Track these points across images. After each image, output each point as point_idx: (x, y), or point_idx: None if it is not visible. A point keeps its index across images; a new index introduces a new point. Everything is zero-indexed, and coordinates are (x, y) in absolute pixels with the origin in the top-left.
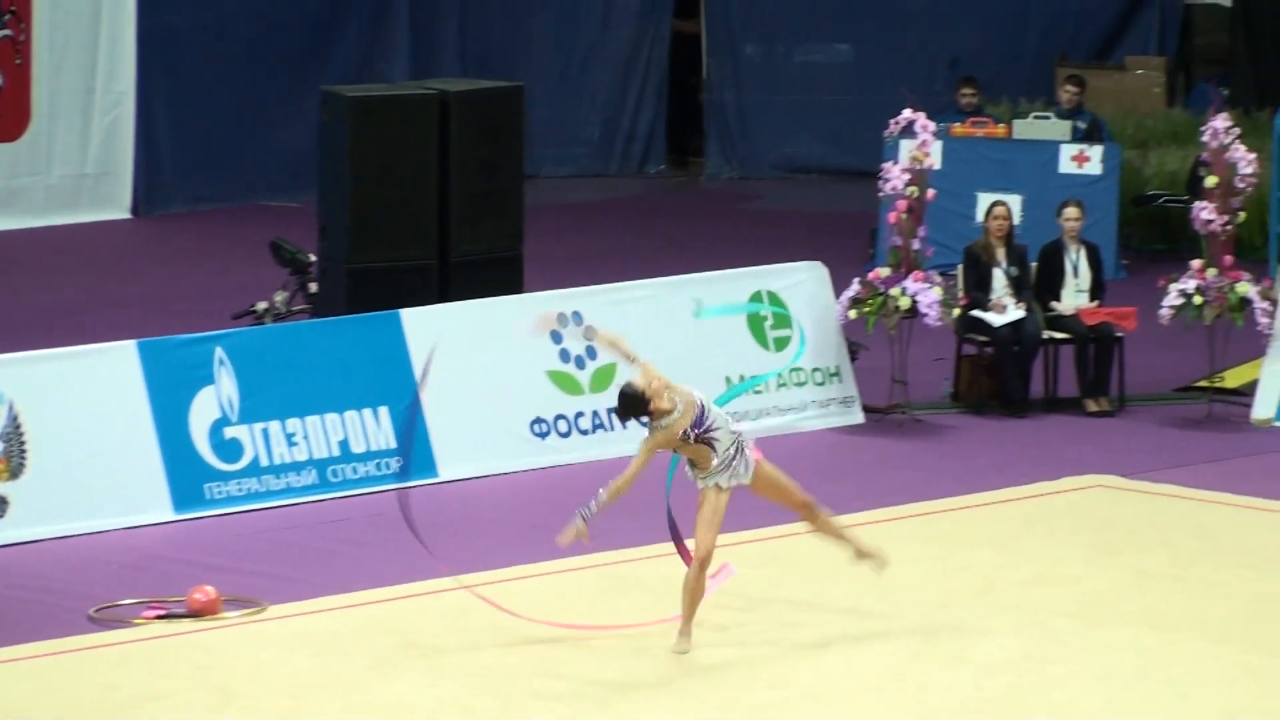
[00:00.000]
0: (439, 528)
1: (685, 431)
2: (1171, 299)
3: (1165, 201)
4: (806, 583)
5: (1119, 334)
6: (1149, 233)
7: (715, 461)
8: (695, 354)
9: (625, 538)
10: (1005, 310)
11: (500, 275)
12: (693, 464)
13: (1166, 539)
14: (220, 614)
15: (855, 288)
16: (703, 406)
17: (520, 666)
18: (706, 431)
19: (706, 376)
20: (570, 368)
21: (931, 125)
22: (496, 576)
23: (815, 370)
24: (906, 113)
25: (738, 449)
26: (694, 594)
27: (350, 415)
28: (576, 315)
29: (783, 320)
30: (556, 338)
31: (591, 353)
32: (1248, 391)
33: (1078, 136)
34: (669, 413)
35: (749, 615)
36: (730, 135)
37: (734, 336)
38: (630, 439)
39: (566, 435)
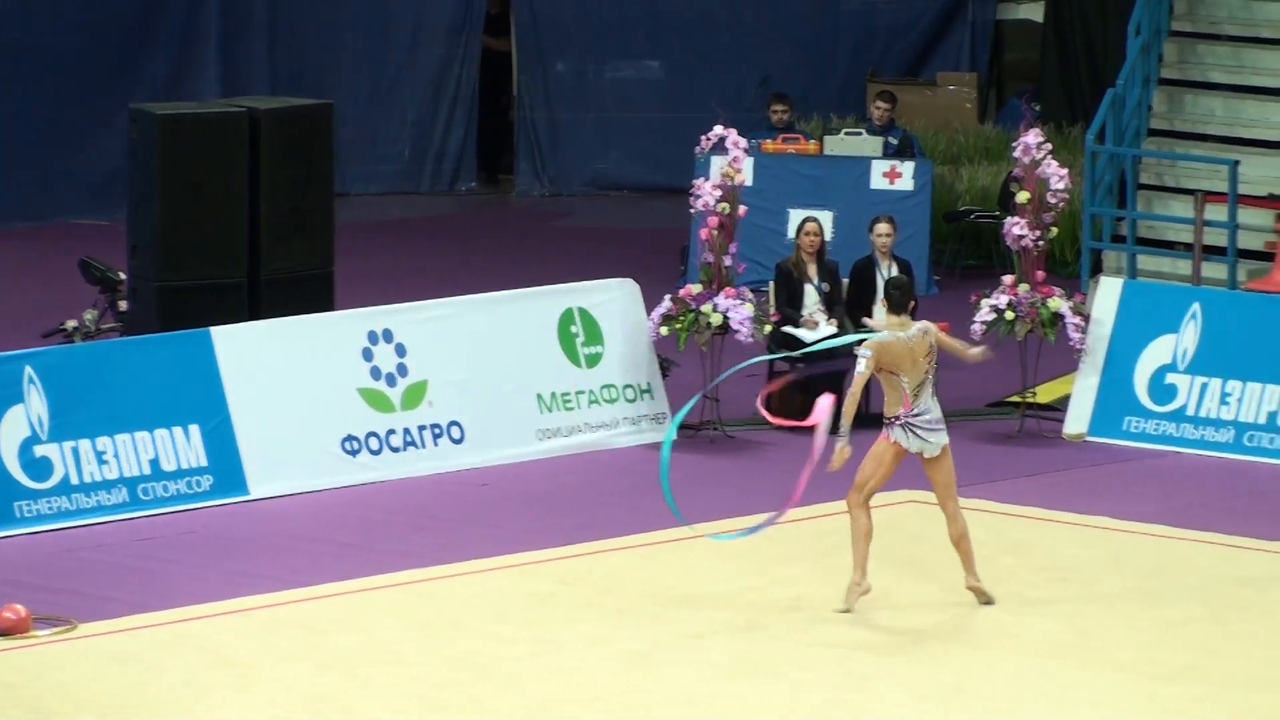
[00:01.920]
0: (251, 546)
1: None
2: (983, 314)
3: (977, 217)
4: (620, 597)
5: None
6: (961, 248)
7: (905, 412)
8: (506, 371)
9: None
10: (817, 326)
11: (311, 293)
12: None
13: (980, 554)
14: (30, 633)
15: (667, 304)
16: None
17: (331, 683)
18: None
19: (518, 394)
20: (381, 385)
21: (743, 142)
22: (308, 594)
23: (627, 387)
24: (717, 129)
25: (930, 426)
26: (855, 533)
27: (161, 433)
28: (387, 333)
29: (594, 336)
30: (367, 355)
31: (403, 370)
32: (1060, 406)
33: (889, 152)
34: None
35: (568, 630)
36: (541, 152)
37: (545, 353)
38: (434, 458)
39: (378, 453)
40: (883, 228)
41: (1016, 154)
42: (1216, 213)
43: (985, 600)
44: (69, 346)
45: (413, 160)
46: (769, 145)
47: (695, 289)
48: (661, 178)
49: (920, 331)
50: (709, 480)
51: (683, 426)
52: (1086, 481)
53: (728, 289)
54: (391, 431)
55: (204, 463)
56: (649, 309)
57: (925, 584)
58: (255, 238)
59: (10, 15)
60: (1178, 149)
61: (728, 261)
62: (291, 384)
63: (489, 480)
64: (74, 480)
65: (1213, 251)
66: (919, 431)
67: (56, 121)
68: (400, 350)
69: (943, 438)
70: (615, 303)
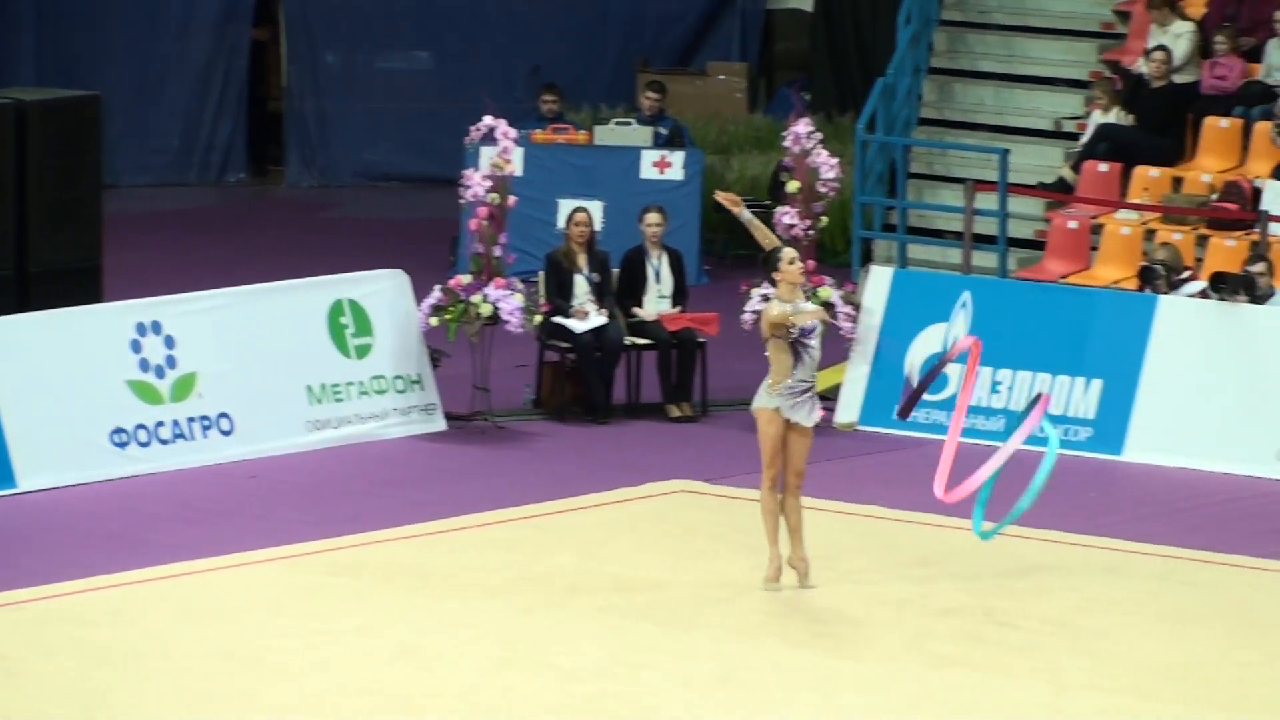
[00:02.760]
0: (19, 539)
1: (793, 324)
2: (754, 304)
3: (747, 206)
4: (391, 588)
5: (701, 339)
6: (731, 238)
7: (787, 381)
8: (275, 363)
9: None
10: (587, 316)
11: (80, 285)
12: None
13: (750, 544)
14: None
15: (436, 295)
16: (815, 328)
17: (102, 676)
18: (803, 338)
19: (288, 385)
20: (150, 377)
21: (512, 132)
22: (77, 587)
23: (397, 378)
24: (487, 120)
25: (811, 391)
26: (766, 517)
27: None
28: (156, 325)
29: (364, 327)
30: (135, 347)
31: (171, 362)
32: (831, 396)
33: (659, 142)
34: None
35: (339, 621)
36: (311, 143)
37: (314, 344)
38: (203, 450)
39: (146, 445)
40: (653, 217)
41: (787, 143)
42: (987, 201)
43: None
44: None
45: (182, 151)
46: (538, 135)
47: (465, 279)
48: (431, 168)
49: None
50: (479, 470)
51: (452, 417)
52: (857, 470)
53: (497, 279)
54: (160, 424)
55: None
56: (419, 300)
57: (696, 573)
58: (22, 230)
59: None
60: (948, 138)
61: (497, 252)
62: (60, 376)
63: (258, 472)
64: None
65: (983, 240)
66: (799, 400)
67: None
68: (169, 342)
69: (817, 413)
70: (385, 294)
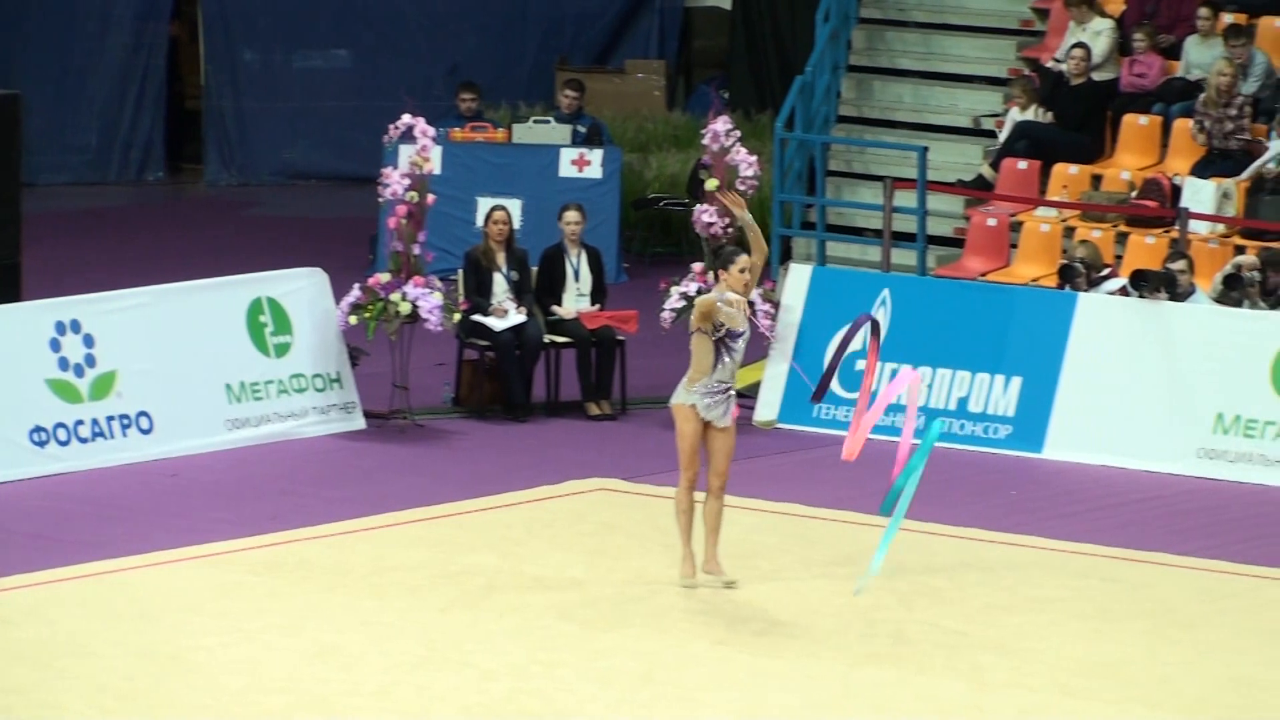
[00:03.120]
0: None
1: (722, 324)
2: (673, 302)
3: (666, 204)
4: (310, 587)
5: (620, 337)
6: (650, 236)
7: (706, 379)
8: (195, 361)
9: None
10: (506, 314)
11: None
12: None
13: (669, 542)
14: None
15: (355, 293)
16: (744, 333)
17: (22, 675)
18: (729, 339)
19: (207, 384)
20: (69, 376)
21: (431, 130)
22: None
23: (316, 376)
24: (406, 118)
25: (729, 393)
26: (680, 513)
27: None
28: (75, 324)
29: (283, 326)
30: (55, 345)
31: (91, 361)
32: (750, 394)
33: (578, 140)
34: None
35: (258, 620)
36: (229, 142)
37: (234, 343)
38: (123, 449)
39: (66, 444)
40: (571, 215)
41: (705, 141)
42: (906, 199)
43: (721, 575)
44: None
45: (100, 150)
46: (457, 134)
47: (384, 278)
48: (350, 167)
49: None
50: (399, 469)
51: (371, 415)
52: (777, 468)
53: (416, 278)
54: (80, 422)
55: None
56: (338, 298)
57: (616, 571)
58: None
59: None
60: (867, 135)
61: (416, 250)
62: None
63: (178, 470)
64: None
65: (902, 238)
66: (715, 400)
67: None
68: (88, 341)
69: (729, 418)
70: (304, 292)
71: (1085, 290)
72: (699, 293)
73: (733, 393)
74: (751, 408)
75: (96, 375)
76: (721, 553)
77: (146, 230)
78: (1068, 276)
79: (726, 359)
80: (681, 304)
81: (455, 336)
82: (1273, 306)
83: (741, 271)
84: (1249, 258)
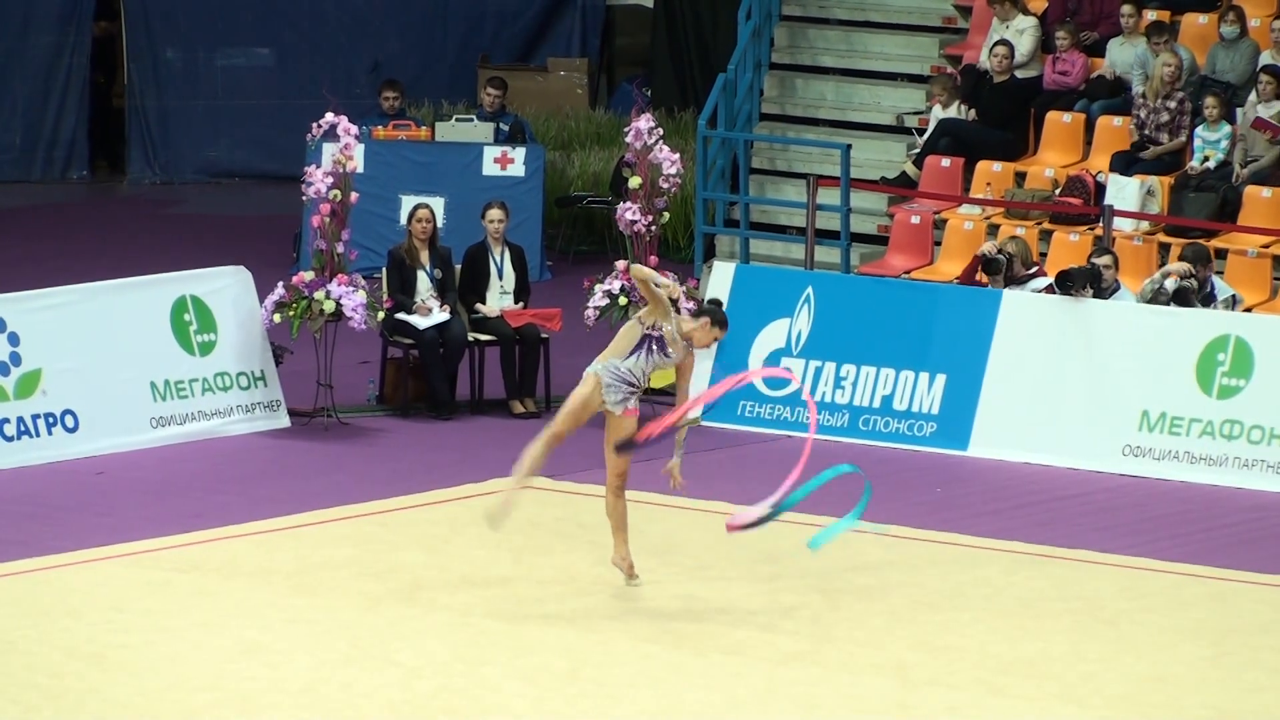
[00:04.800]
0: None
1: (662, 326)
2: (597, 299)
3: (589, 202)
4: (235, 585)
5: (544, 335)
6: (574, 234)
7: (618, 360)
8: (119, 359)
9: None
10: (430, 313)
11: None
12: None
13: (593, 539)
14: None
15: (279, 292)
16: (670, 357)
17: None
18: (655, 344)
19: (132, 382)
20: None
21: (354, 129)
22: None
23: (240, 374)
24: (329, 116)
25: (631, 391)
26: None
27: None
28: (0, 322)
29: (207, 324)
30: None
31: (15, 359)
32: (673, 391)
33: (501, 138)
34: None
35: (183, 618)
36: (152, 140)
37: (158, 341)
38: (48, 447)
39: None
40: (495, 213)
41: (628, 139)
42: (829, 197)
43: (631, 576)
44: None
45: (24, 148)
46: (380, 132)
47: (308, 276)
48: (273, 165)
49: (685, 348)
50: (323, 467)
51: (296, 413)
52: (701, 466)
53: (340, 276)
54: (5, 420)
55: None
56: (262, 296)
57: (541, 569)
58: None
59: None
60: (790, 133)
61: (340, 248)
62: None
63: (104, 468)
64: None
65: (826, 235)
66: (616, 385)
67: None
68: (13, 339)
69: (622, 409)
70: (228, 290)
71: (1004, 286)
72: (622, 290)
73: (635, 395)
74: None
75: (21, 374)
76: (638, 549)
77: (71, 229)
78: (991, 270)
79: (644, 357)
80: (605, 301)
81: (379, 334)
82: (1204, 303)
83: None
84: (1177, 265)
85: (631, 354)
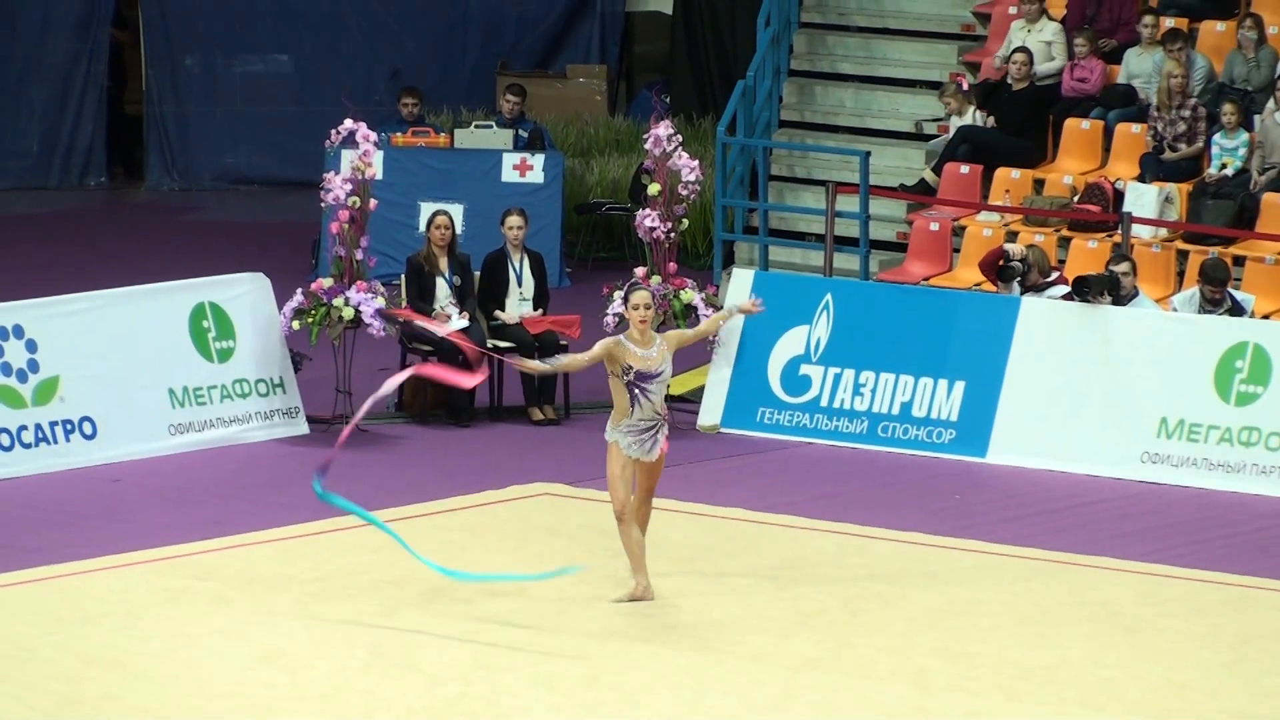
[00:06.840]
0: None
1: (629, 366)
2: (616, 306)
3: (608, 209)
4: (254, 592)
5: (563, 342)
6: (593, 240)
7: (627, 420)
8: (138, 366)
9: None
10: (449, 320)
11: None
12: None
13: (613, 546)
14: None
15: (298, 298)
16: (661, 375)
17: None
18: (640, 381)
19: (150, 389)
20: (12, 381)
21: (373, 135)
22: None
23: (259, 381)
24: (347, 123)
25: (655, 429)
26: (628, 546)
27: None
28: (18, 329)
29: (226, 331)
30: None
31: (34, 366)
32: (694, 398)
33: (520, 145)
34: (640, 343)
35: (202, 625)
36: (171, 147)
37: (177, 348)
38: (66, 454)
39: (9, 449)
40: (514, 220)
41: (647, 146)
42: (848, 204)
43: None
44: None
45: (41, 155)
46: (399, 138)
47: (327, 283)
48: (292, 171)
49: (659, 345)
50: (342, 474)
51: (314, 420)
52: (720, 473)
53: (359, 283)
54: (24, 428)
55: None
56: (280, 303)
57: (561, 577)
58: None
59: None
60: (809, 140)
61: (359, 255)
62: None
63: (122, 476)
64: None
65: (845, 242)
66: (640, 438)
67: None
68: (31, 346)
69: (658, 450)
70: (247, 297)
71: (1022, 292)
72: None
73: (660, 428)
74: (695, 412)
75: (40, 381)
76: (657, 556)
77: (89, 236)
78: (1006, 277)
79: (642, 400)
80: (624, 309)
81: (398, 342)
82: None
83: (634, 308)
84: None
85: (632, 406)
